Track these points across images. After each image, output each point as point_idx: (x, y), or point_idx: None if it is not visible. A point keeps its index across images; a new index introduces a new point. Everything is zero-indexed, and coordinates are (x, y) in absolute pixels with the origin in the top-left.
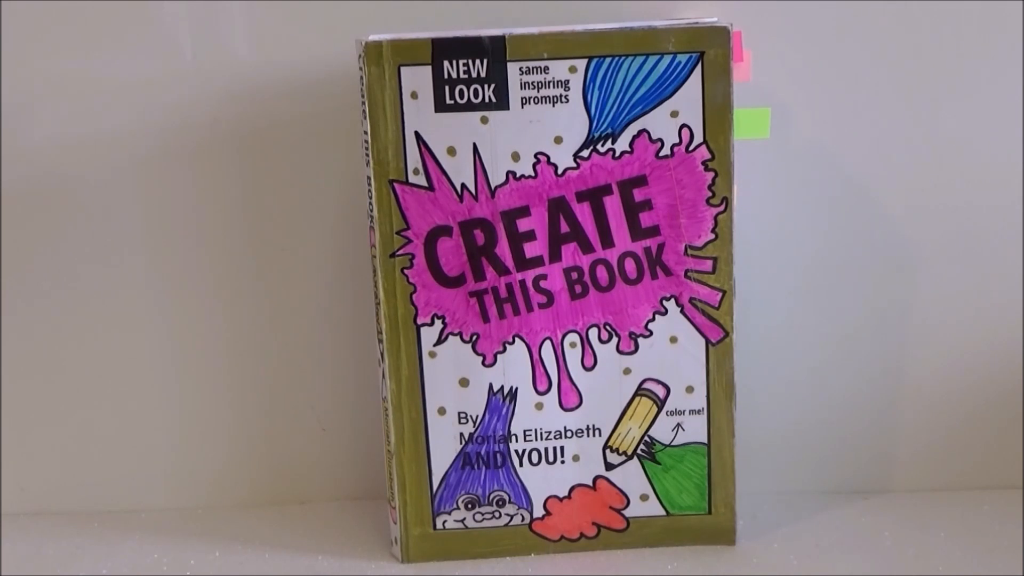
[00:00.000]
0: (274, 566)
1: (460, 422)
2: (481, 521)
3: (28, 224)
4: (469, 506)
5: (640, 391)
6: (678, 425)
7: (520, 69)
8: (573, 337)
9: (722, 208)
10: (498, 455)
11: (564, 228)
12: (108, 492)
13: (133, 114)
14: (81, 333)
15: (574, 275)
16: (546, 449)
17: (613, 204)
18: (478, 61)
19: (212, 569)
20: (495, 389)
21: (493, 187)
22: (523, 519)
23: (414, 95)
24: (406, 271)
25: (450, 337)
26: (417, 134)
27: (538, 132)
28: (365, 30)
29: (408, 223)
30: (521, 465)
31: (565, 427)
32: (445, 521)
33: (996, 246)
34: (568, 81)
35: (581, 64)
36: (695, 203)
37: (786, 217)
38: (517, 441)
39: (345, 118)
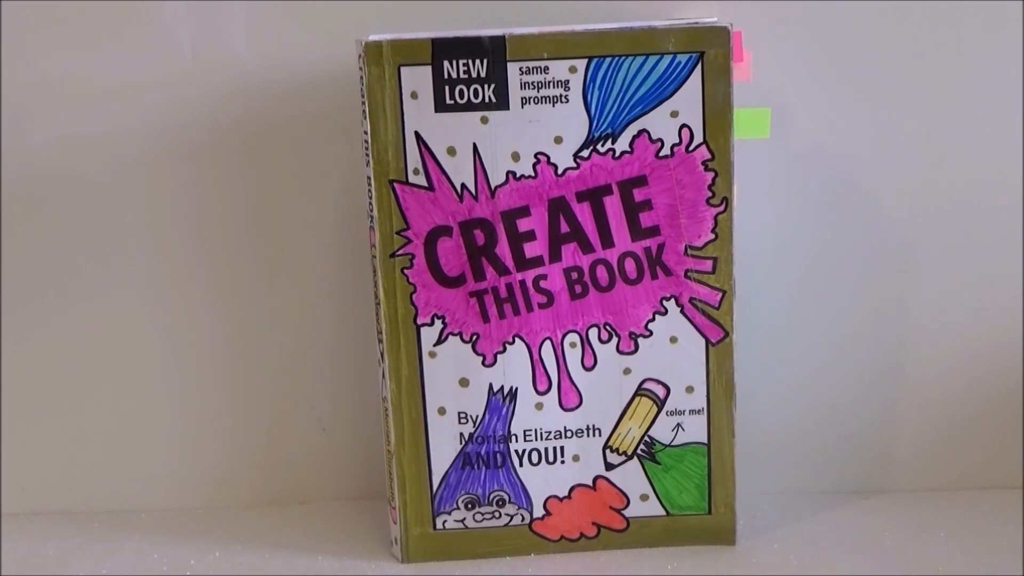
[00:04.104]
0: (274, 566)
1: (460, 422)
2: (481, 521)
3: (28, 224)
4: (469, 506)
5: (640, 391)
6: (678, 425)
7: (520, 69)
8: (573, 337)
9: (722, 208)
10: (498, 455)
11: (564, 228)
12: (108, 492)
13: (133, 114)
14: (81, 333)
15: (574, 275)
16: (546, 449)
17: (613, 204)
18: (478, 61)
19: (212, 569)
20: (495, 389)
21: (493, 187)
22: (523, 519)
23: (414, 95)
24: (406, 271)
25: (450, 337)
26: (417, 134)
27: (538, 132)
28: (365, 30)
29: (408, 223)
30: (521, 465)
31: (565, 427)
32: (445, 521)
33: (996, 246)
34: (568, 81)
35: (581, 64)
36: (695, 203)
37: (786, 217)
38: (517, 441)
39: (345, 118)
